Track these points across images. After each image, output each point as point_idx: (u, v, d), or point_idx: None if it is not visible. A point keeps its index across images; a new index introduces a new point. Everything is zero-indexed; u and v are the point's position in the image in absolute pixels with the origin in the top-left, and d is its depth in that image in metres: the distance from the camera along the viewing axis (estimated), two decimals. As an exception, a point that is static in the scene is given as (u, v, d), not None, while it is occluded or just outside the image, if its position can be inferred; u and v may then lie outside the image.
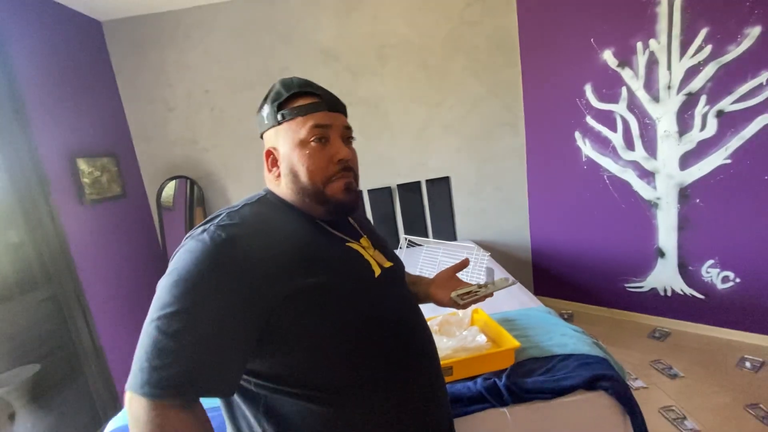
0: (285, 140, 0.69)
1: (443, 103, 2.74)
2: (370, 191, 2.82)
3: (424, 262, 2.07)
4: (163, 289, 0.56)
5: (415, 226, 2.86)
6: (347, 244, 0.73)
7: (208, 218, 0.63)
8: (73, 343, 2.04)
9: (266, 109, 0.70)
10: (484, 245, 2.89)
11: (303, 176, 0.68)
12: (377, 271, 0.72)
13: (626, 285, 2.57)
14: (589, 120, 2.46)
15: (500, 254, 2.94)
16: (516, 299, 1.77)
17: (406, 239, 2.24)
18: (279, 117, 0.68)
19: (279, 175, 0.71)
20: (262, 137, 0.74)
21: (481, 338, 1.26)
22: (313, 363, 0.61)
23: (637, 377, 2.00)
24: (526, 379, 1.15)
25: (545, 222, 2.84)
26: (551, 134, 2.66)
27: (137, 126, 2.72)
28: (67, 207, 2.08)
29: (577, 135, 2.54)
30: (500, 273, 2.12)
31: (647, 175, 2.32)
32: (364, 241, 0.77)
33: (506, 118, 2.76)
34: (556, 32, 2.49)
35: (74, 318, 2.03)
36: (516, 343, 1.23)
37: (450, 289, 0.89)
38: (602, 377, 1.13)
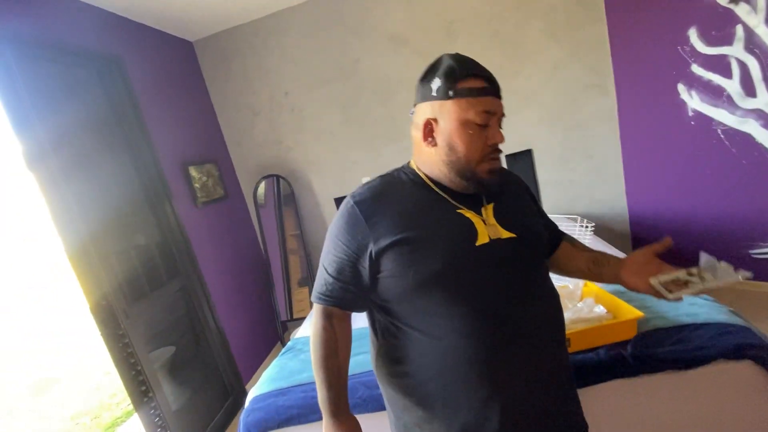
0: (450, 116, 0.73)
1: (520, 73, 2.62)
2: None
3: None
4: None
5: (498, 204, 2.79)
6: (458, 211, 0.77)
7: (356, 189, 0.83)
8: (201, 326, 2.34)
9: (437, 83, 0.74)
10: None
11: (460, 152, 0.74)
12: (482, 240, 0.74)
13: (751, 252, 2.26)
14: (696, 69, 2.18)
15: (596, 228, 2.75)
16: (625, 270, 1.66)
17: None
18: (450, 93, 0.72)
19: (434, 144, 0.77)
20: (414, 105, 0.80)
21: (600, 309, 1.21)
22: (401, 305, 0.76)
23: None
24: (657, 349, 1.09)
25: (645, 189, 2.59)
26: (647, 90, 2.41)
27: (230, 132, 2.98)
28: (185, 210, 2.37)
29: (681, 87, 2.27)
30: (594, 242, 1.99)
31: (775, 122, 2.01)
32: (486, 210, 0.79)
33: (592, 79, 2.55)
34: (648, -26, 2.23)
35: (201, 305, 2.33)
36: (639, 313, 1.17)
37: (647, 274, 0.77)
38: (749, 346, 1.03)
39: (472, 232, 0.75)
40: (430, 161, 0.79)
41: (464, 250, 0.74)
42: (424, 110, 0.76)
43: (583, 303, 1.25)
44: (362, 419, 1.05)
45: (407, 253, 0.73)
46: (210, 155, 2.75)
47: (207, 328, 2.36)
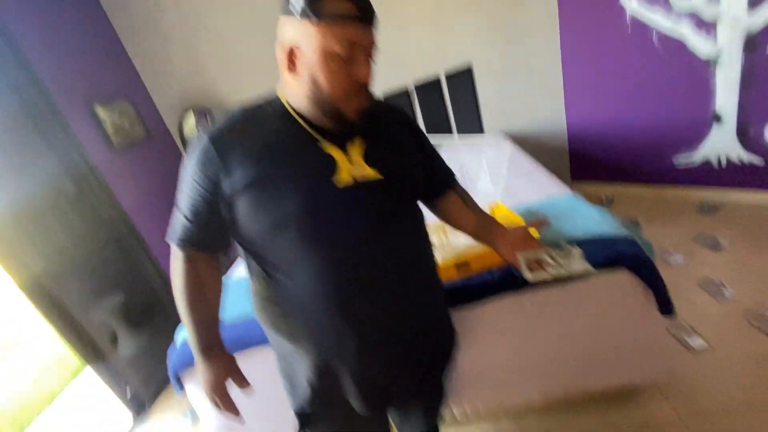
0: (312, 44, 0.64)
1: (457, -23, 2.37)
2: (386, 98, 2.66)
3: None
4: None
5: (438, 125, 2.72)
6: (321, 147, 0.72)
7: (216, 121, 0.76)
8: (142, 274, 2.32)
9: (299, 1, 0.63)
10: (515, 134, 2.72)
11: (324, 88, 0.67)
12: (344, 180, 0.71)
13: (675, 158, 2.35)
14: (635, -35, 2.03)
15: (534, 144, 2.75)
16: (543, 189, 1.70)
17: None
18: (310, 14, 0.62)
19: (296, 74, 0.69)
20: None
21: (498, 232, 1.25)
22: (262, 248, 0.75)
23: (677, 253, 1.94)
24: (544, 267, 1.15)
25: (583, 102, 2.56)
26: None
27: (142, 63, 2.66)
28: (100, 156, 2.19)
29: (620, -11, 2.12)
30: (525, 161, 2.01)
31: (706, 27, 1.94)
32: (353, 147, 0.74)
33: (532, -17, 2.35)
34: None
35: (137, 253, 2.28)
36: (535, 232, 1.21)
37: (519, 248, 0.87)
38: (625, 256, 1.11)
39: (332, 170, 0.71)
40: (294, 92, 0.72)
41: (322, 190, 0.70)
42: (287, 29, 0.67)
43: (485, 228, 1.28)
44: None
45: (261, 195, 0.69)
46: (120, 92, 2.47)
47: (149, 276, 2.35)
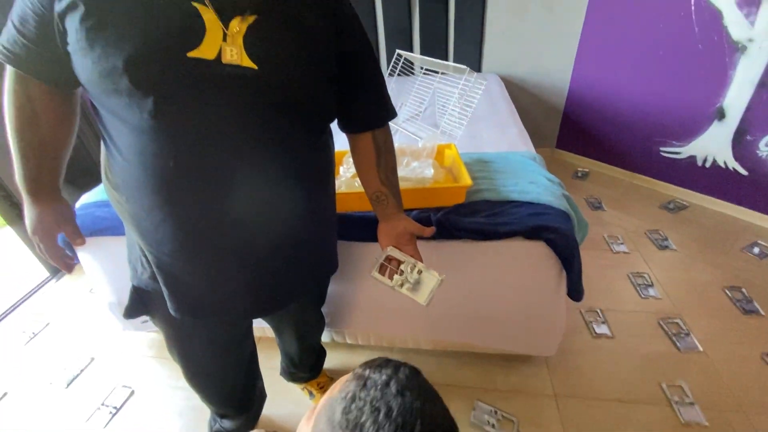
0: None
1: None
2: (384, -5, 2.31)
3: (419, 89, 1.80)
4: None
5: (433, 48, 2.43)
6: (194, 3, 0.54)
7: None
8: (80, 135, 2.13)
9: None
10: (513, 82, 2.48)
11: None
12: (204, 53, 0.54)
13: (662, 149, 2.20)
14: None
15: (530, 96, 2.53)
16: (507, 143, 1.55)
17: (399, 56, 1.90)
18: None
19: None
20: None
21: (429, 172, 1.13)
22: (94, 99, 0.60)
23: (623, 242, 1.89)
24: (464, 218, 1.06)
25: (595, 62, 2.30)
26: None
27: None
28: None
29: (677, -71, 1.77)
30: (505, 110, 1.82)
31: (750, 4, 1.68)
32: (241, 23, 0.56)
33: None
34: None
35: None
36: (468, 182, 1.10)
37: (393, 241, 0.81)
38: (548, 228, 1.02)
39: (194, 35, 0.54)
40: None
41: (166, 53, 0.54)
42: None
43: (419, 163, 1.16)
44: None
45: (92, 27, 0.53)
46: None
47: (84, 135, 2.16)
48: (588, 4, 2.19)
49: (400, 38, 2.42)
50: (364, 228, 1.05)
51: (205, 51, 0.55)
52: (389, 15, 2.35)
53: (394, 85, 2.01)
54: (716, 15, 1.78)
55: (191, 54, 0.54)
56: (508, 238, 1.04)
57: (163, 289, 0.72)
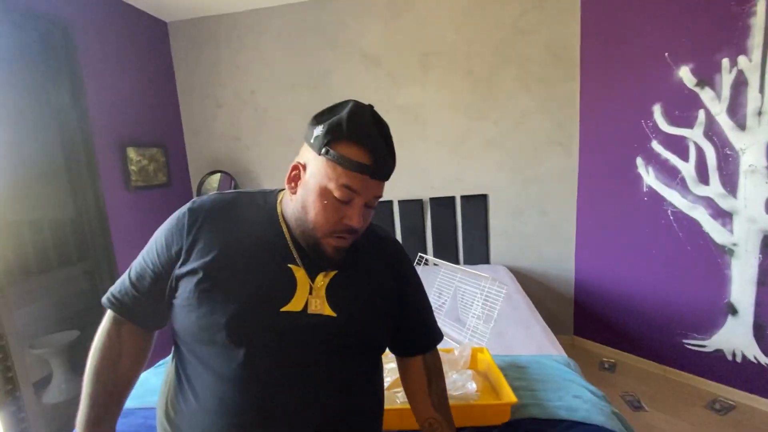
0: (315, 174, 0.63)
1: (488, 116, 2.56)
2: (400, 202, 2.71)
3: (441, 282, 1.92)
4: None
5: (445, 244, 2.70)
6: (290, 265, 0.66)
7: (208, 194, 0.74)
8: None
9: (319, 131, 0.62)
10: (521, 272, 2.65)
11: (310, 219, 0.64)
12: (294, 306, 0.64)
13: (685, 341, 2.18)
14: (656, 145, 2.14)
15: (538, 285, 2.67)
16: (534, 342, 1.56)
17: (422, 257, 2.10)
18: (323, 151, 0.61)
19: (293, 192, 0.67)
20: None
21: (472, 386, 1.10)
22: (180, 337, 0.68)
23: (681, 456, 1.67)
24: (517, 445, 0.98)
25: (594, 255, 2.52)
26: (609, 158, 2.36)
27: (189, 120, 2.88)
28: (113, 191, 2.24)
29: (639, 161, 2.22)
30: (523, 305, 1.90)
31: (722, 215, 1.95)
32: (325, 277, 0.68)
33: (558, 136, 2.51)
34: (625, 44, 2.20)
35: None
36: (513, 398, 1.06)
37: None
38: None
39: (288, 292, 0.65)
40: (288, 206, 0.69)
41: (264, 310, 0.63)
42: (304, 151, 0.66)
43: (459, 375, 1.14)
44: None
45: (205, 290, 0.63)
46: (158, 139, 2.63)
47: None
48: (577, 210, 2.55)
49: (415, 236, 2.72)
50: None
51: (295, 304, 0.64)
52: (405, 217, 2.71)
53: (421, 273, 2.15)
54: (695, 223, 2.04)
55: (284, 309, 0.63)
56: (569, 471, 0.94)
57: None
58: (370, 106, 0.65)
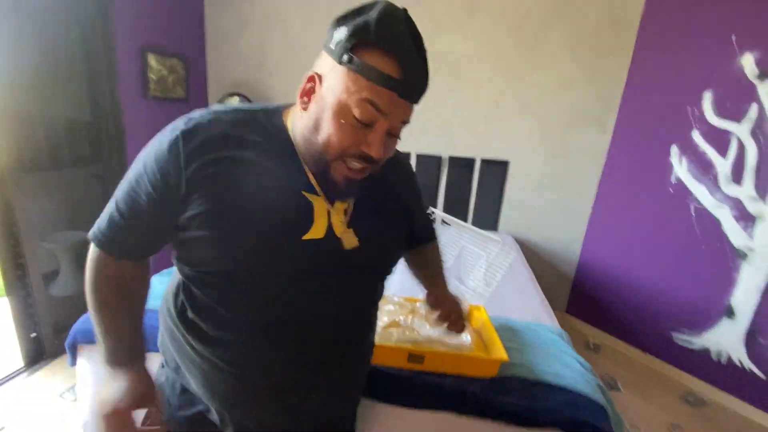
0: (333, 87, 0.54)
1: (526, 79, 2.42)
2: (418, 156, 2.65)
3: (446, 242, 1.92)
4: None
5: (456, 205, 2.67)
6: (306, 194, 0.61)
7: (198, 111, 0.62)
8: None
9: (341, 33, 0.53)
10: (527, 245, 2.64)
11: (320, 139, 0.56)
12: (317, 235, 0.61)
13: (674, 334, 2.21)
14: (696, 135, 2.03)
15: (540, 260, 2.67)
16: (530, 311, 1.58)
17: (432, 212, 2.07)
18: (345, 58, 0.52)
19: (304, 108, 0.58)
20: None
21: (466, 338, 1.12)
22: (200, 274, 0.62)
23: (647, 436, 1.74)
24: (498, 396, 1.01)
25: (603, 239, 2.50)
26: (643, 142, 2.26)
27: (213, 33, 2.74)
28: (130, 98, 2.18)
29: (674, 150, 2.12)
30: (525, 275, 1.90)
31: (746, 218, 1.89)
32: (340, 205, 0.64)
33: (595, 111, 2.38)
34: (690, 18, 2.02)
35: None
36: (504, 356, 1.08)
37: (435, 315, 0.93)
38: (587, 424, 0.96)
39: (305, 221, 0.60)
40: (297, 124, 0.61)
41: (281, 245, 0.59)
42: (322, 61, 0.57)
43: (455, 326, 1.16)
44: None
45: (213, 231, 0.56)
46: (180, 50, 2.52)
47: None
48: (597, 192, 2.48)
49: (427, 193, 2.68)
50: (391, 386, 1.00)
51: (316, 231, 0.61)
52: (420, 172, 2.66)
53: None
54: (716, 223, 1.99)
55: (305, 237, 0.60)
56: (543, 428, 0.97)
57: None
58: (405, 10, 0.54)
